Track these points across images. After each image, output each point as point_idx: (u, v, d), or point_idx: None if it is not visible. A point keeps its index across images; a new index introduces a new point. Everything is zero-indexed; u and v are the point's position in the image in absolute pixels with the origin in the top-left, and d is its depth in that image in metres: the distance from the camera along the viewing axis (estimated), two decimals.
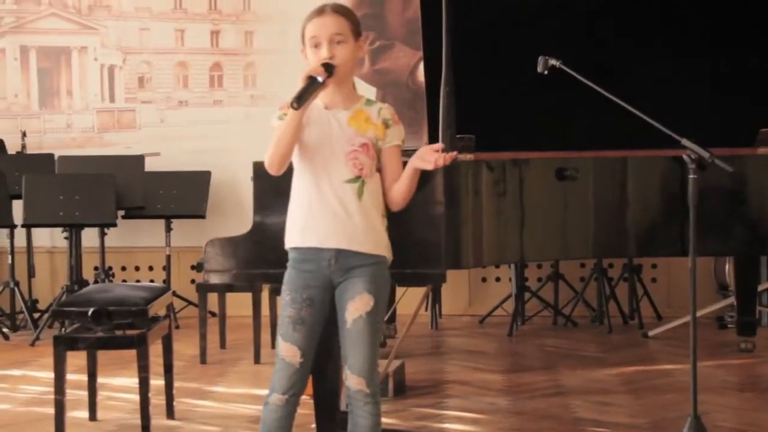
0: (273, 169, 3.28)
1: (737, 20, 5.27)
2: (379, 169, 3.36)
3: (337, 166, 3.29)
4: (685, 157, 4.08)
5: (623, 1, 5.23)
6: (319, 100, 3.32)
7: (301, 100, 3.19)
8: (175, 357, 4.91)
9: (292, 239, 3.35)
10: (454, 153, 3.35)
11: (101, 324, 4.39)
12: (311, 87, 3.22)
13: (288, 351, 3.31)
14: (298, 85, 3.23)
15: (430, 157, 3.29)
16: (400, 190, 3.36)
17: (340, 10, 3.37)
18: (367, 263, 3.30)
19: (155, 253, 7.49)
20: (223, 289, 6.13)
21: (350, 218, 3.28)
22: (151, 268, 7.68)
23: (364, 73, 7.56)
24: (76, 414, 4.84)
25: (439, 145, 3.31)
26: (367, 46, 3.48)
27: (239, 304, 6.56)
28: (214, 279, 6.13)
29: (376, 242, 3.32)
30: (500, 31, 5.17)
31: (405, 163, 3.38)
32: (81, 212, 6.63)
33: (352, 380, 3.30)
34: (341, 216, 3.28)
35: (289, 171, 3.35)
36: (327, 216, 3.28)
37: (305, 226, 3.31)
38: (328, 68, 3.26)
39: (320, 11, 3.35)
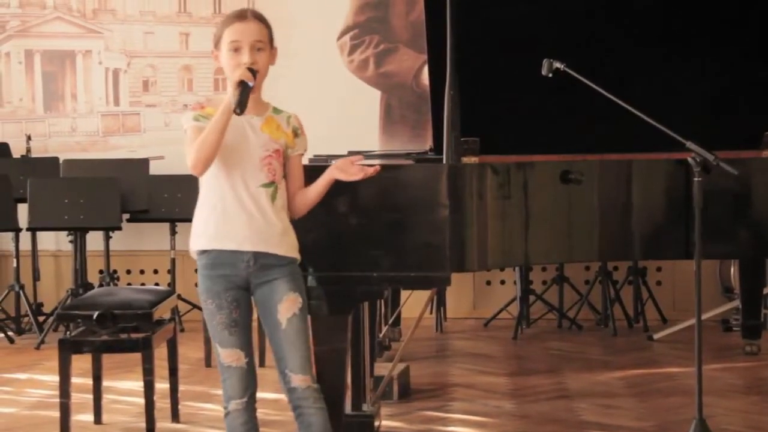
0: (198, 170, 3.33)
1: (741, 23, 5.26)
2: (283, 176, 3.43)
3: (252, 171, 3.35)
4: (690, 160, 4.07)
5: (627, 4, 5.23)
6: (233, 106, 3.35)
7: (243, 106, 3.26)
8: (179, 360, 4.91)
9: (204, 242, 3.39)
10: (377, 167, 3.47)
11: (106, 327, 4.39)
12: (245, 92, 3.29)
13: (232, 356, 3.37)
14: (230, 91, 3.31)
15: (351, 169, 3.42)
16: (309, 197, 3.47)
17: (260, 18, 3.44)
18: (284, 263, 3.37)
19: (160, 256, 7.49)
20: None
21: (266, 221, 3.35)
22: (155, 272, 7.68)
23: (369, 76, 7.56)
24: (82, 417, 4.85)
25: (359, 157, 3.41)
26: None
27: None
28: None
29: (291, 245, 3.41)
30: (505, 33, 5.17)
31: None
32: (86, 216, 6.64)
33: (298, 379, 3.35)
34: (258, 219, 3.34)
35: None
36: (243, 219, 3.34)
37: (220, 229, 3.36)
38: (252, 73, 3.33)
39: (242, 16, 3.41)
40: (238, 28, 3.37)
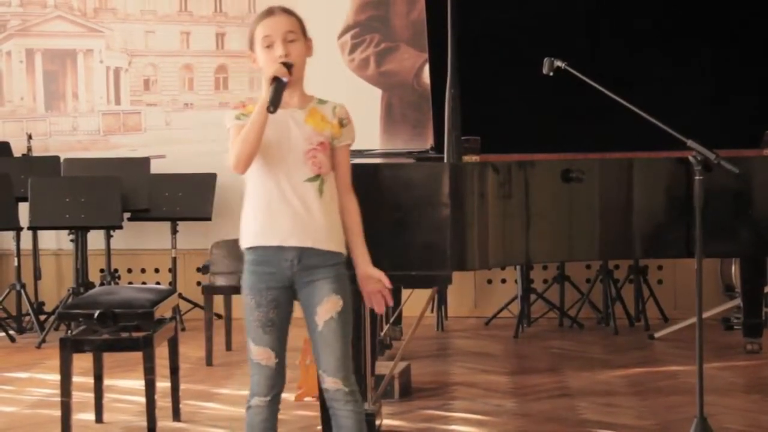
0: (239, 169, 3.29)
1: (742, 22, 5.27)
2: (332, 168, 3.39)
3: (296, 165, 3.31)
4: (690, 158, 4.07)
5: (628, 3, 5.23)
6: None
7: (276, 104, 3.21)
8: (181, 359, 4.91)
9: (251, 239, 3.36)
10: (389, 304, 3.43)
11: (107, 326, 4.39)
12: (280, 88, 3.24)
13: (262, 354, 3.34)
14: (265, 88, 3.25)
15: (369, 287, 3.36)
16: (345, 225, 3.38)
17: (288, 10, 3.40)
18: (328, 263, 3.32)
19: (161, 255, 7.49)
20: (229, 291, 6.13)
21: (312, 217, 3.30)
22: (157, 271, 7.68)
23: (370, 75, 7.56)
24: (83, 416, 4.85)
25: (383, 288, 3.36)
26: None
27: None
28: (220, 281, 6.17)
29: (337, 240, 3.35)
30: (506, 32, 5.17)
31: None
32: (87, 215, 6.64)
33: (329, 382, 3.33)
34: (303, 215, 3.29)
35: None
36: (288, 215, 3.29)
37: (266, 226, 3.31)
38: (287, 67, 3.28)
39: (270, 12, 3.38)
40: (268, 23, 3.34)
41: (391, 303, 3.46)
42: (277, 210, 3.30)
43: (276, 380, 3.36)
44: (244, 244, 3.37)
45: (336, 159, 3.37)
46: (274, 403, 3.36)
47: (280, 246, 3.30)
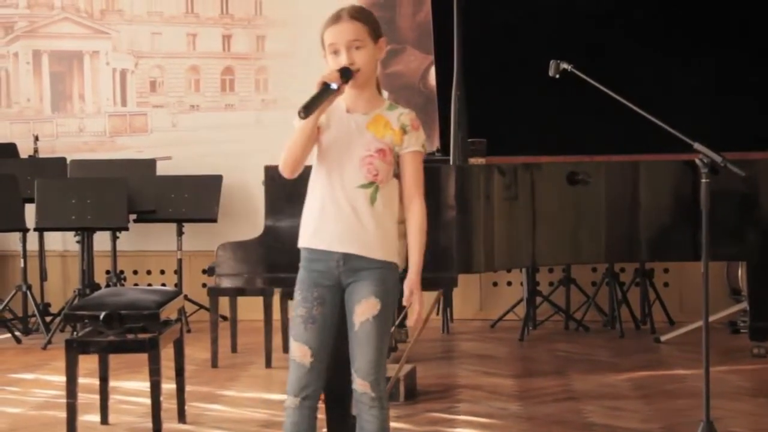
0: (286, 173, 3.28)
1: (749, 25, 5.26)
2: (398, 175, 3.34)
3: (351, 171, 3.27)
4: (697, 161, 4.06)
5: (634, 6, 5.23)
6: (342, 102, 3.31)
7: (308, 109, 3.17)
8: (186, 361, 4.91)
9: (304, 239, 3.35)
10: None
11: (113, 328, 4.39)
12: (324, 94, 3.20)
13: (298, 350, 3.30)
14: (313, 91, 3.22)
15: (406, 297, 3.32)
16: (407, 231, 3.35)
17: (356, 15, 3.34)
18: (375, 266, 3.29)
19: (167, 256, 7.49)
20: (234, 293, 6.12)
21: (361, 224, 3.26)
22: (162, 272, 7.68)
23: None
24: (88, 417, 4.85)
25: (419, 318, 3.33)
26: (384, 47, 3.44)
27: (250, 308, 6.56)
28: (226, 283, 6.14)
29: (386, 249, 3.30)
30: (511, 35, 5.18)
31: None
32: (93, 216, 6.64)
33: (358, 383, 3.30)
34: (352, 221, 3.26)
35: (302, 175, 3.34)
36: (338, 220, 3.27)
37: (317, 228, 3.30)
38: (345, 74, 3.24)
39: (337, 18, 3.33)
40: (333, 30, 3.31)
41: (420, 324, 3.42)
42: (328, 213, 3.28)
43: (308, 381, 3.29)
44: (299, 243, 3.36)
45: (401, 166, 3.32)
46: (305, 407, 3.30)
47: (328, 250, 3.28)
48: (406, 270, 3.34)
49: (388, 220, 3.31)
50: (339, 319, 3.34)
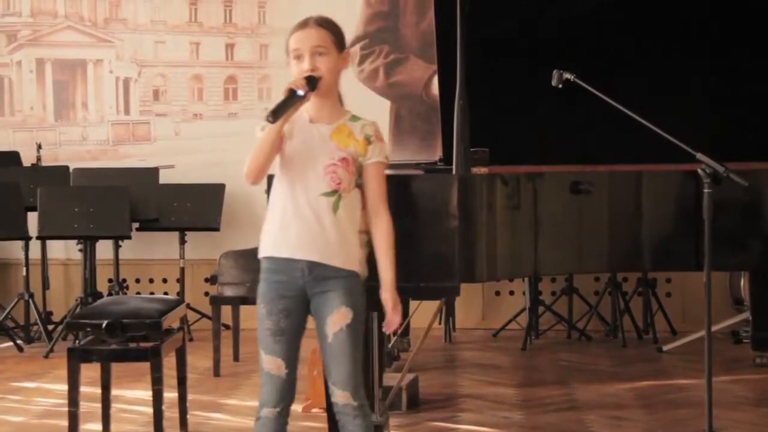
0: (250, 179, 3.31)
1: (754, 34, 5.26)
2: (360, 185, 3.37)
3: (314, 179, 3.30)
4: (699, 171, 4.07)
5: (639, 16, 5.23)
6: (305, 113, 3.34)
7: (277, 113, 3.21)
8: (188, 370, 4.91)
9: (265, 248, 3.37)
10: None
11: (115, 336, 4.39)
12: (290, 100, 3.24)
13: (272, 364, 3.33)
14: (279, 97, 3.25)
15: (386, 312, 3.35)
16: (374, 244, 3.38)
17: (322, 23, 3.39)
18: (341, 276, 3.31)
19: (169, 265, 7.49)
20: (236, 302, 6.11)
21: (324, 231, 3.29)
22: (165, 281, 7.68)
23: (378, 86, 7.57)
24: (90, 426, 4.85)
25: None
26: (350, 58, 3.47)
27: (253, 316, 6.47)
28: (228, 291, 6.13)
29: (348, 257, 3.33)
30: (515, 44, 5.18)
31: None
32: (95, 224, 6.64)
33: (338, 395, 3.32)
34: (315, 229, 3.29)
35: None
36: (300, 228, 3.29)
37: (278, 237, 3.32)
38: (311, 81, 3.28)
39: (303, 24, 3.38)
40: (298, 36, 3.35)
41: (390, 331, 3.46)
42: (290, 221, 3.30)
43: (285, 392, 3.34)
44: (260, 253, 3.38)
45: (364, 177, 3.36)
46: (282, 416, 3.35)
47: (291, 258, 3.30)
48: (366, 279, 3.37)
49: (350, 229, 3.33)
50: (304, 327, 3.37)
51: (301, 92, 3.25)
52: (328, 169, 3.30)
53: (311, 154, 3.31)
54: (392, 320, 3.36)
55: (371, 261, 3.39)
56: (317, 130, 3.34)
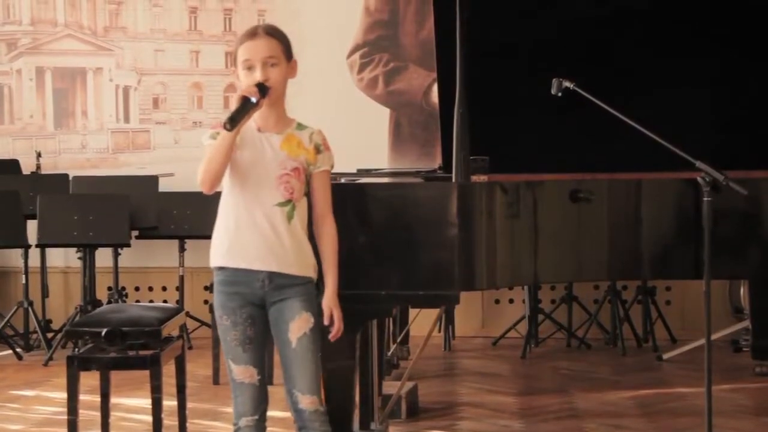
0: (205, 188, 3.32)
1: (756, 42, 5.26)
2: (308, 193, 3.39)
3: (268, 189, 3.32)
4: (699, 179, 4.06)
5: (640, 24, 5.23)
6: (252, 123, 3.35)
7: (234, 121, 3.23)
8: (188, 378, 4.90)
9: (219, 259, 3.37)
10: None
11: (114, 344, 4.39)
12: (245, 108, 3.25)
13: (245, 372, 3.35)
14: (233, 105, 3.27)
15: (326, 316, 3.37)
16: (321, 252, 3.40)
17: (272, 32, 3.39)
18: (299, 282, 3.35)
19: (169, 273, 7.49)
20: None
21: (280, 241, 3.31)
22: (164, 289, 7.68)
23: (378, 95, 7.57)
24: None
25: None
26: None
27: None
28: None
29: (304, 265, 3.37)
30: (514, 52, 5.18)
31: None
32: (95, 232, 6.64)
33: (305, 401, 3.33)
34: (271, 238, 3.31)
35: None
36: (256, 238, 3.31)
37: (232, 247, 3.34)
38: (262, 89, 3.29)
39: (252, 34, 3.38)
40: (249, 46, 3.36)
41: (334, 337, 3.43)
42: (245, 232, 3.32)
43: (261, 398, 3.37)
44: (213, 262, 3.39)
45: (312, 185, 3.39)
46: (261, 422, 3.38)
47: (248, 268, 3.32)
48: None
49: (303, 237, 3.37)
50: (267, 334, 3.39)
51: (254, 99, 3.27)
52: (281, 179, 3.33)
53: (263, 165, 3.33)
54: (338, 328, 3.38)
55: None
56: (267, 140, 3.36)
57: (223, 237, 3.37)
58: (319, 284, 3.45)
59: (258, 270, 3.32)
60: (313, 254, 3.41)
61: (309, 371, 3.32)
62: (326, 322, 3.37)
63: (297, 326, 3.32)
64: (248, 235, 3.31)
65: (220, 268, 3.37)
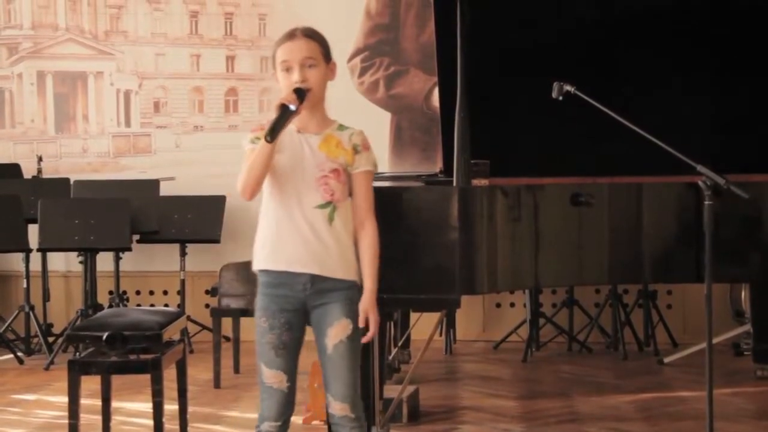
0: (245, 196, 3.29)
1: (758, 46, 5.27)
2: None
3: (308, 192, 3.30)
4: (700, 183, 4.06)
5: (642, 29, 5.23)
6: (292, 124, 3.33)
7: (274, 132, 3.21)
8: (189, 382, 4.90)
9: (261, 261, 3.35)
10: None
11: (116, 348, 4.39)
12: (284, 117, 3.24)
13: (274, 377, 3.33)
14: (272, 114, 3.25)
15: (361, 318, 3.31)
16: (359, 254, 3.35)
17: (311, 34, 3.38)
18: (341, 287, 3.31)
19: (170, 277, 7.49)
20: (237, 314, 6.12)
21: (321, 243, 3.29)
22: (165, 293, 7.68)
23: (379, 98, 7.58)
24: None
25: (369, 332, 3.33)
26: (335, 69, 3.46)
27: (253, 328, 6.53)
28: (229, 303, 6.16)
29: (347, 268, 3.33)
30: (515, 56, 5.18)
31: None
32: (96, 236, 6.64)
33: (336, 406, 3.31)
34: (311, 241, 3.28)
35: None
36: (297, 241, 3.28)
37: (274, 250, 3.31)
38: (300, 94, 3.27)
39: (291, 35, 3.36)
40: (287, 47, 3.34)
41: (366, 340, 3.40)
42: (286, 234, 3.29)
43: (287, 405, 3.34)
44: (256, 266, 3.37)
45: (352, 186, 3.35)
46: (284, 428, 3.34)
47: (289, 271, 3.29)
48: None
49: (346, 239, 3.33)
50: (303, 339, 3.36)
51: (293, 107, 3.25)
52: (320, 181, 3.30)
53: (302, 167, 3.31)
54: (373, 333, 3.35)
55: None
56: (306, 142, 3.34)
57: (264, 240, 3.34)
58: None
59: (299, 273, 3.28)
60: (356, 259, 3.35)
61: (342, 378, 3.29)
62: (361, 324, 3.32)
63: (334, 332, 3.29)
64: (289, 238, 3.28)
65: (263, 271, 3.35)
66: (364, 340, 3.37)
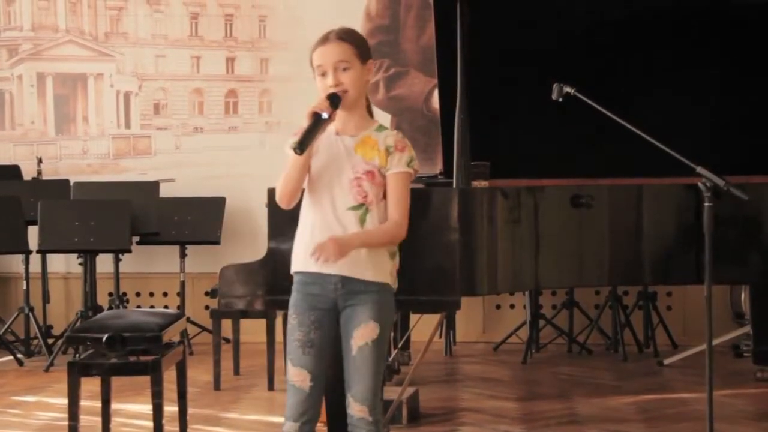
0: (283, 203, 3.30)
1: (758, 48, 5.27)
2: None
3: (341, 193, 3.29)
4: (700, 184, 4.07)
5: (642, 31, 5.24)
6: (332, 126, 3.32)
7: (304, 144, 3.19)
8: (188, 383, 4.90)
9: (297, 263, 3.36)
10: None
11: (115, 350, 4.39)
12: (316, 126, 3.21)
13: (297, 375, 3.30)
14: (304, 122, 3.22)
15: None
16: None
17: (344, 36, 3.35)
18: (372, 290, 3.29)
19: (170, 279, 7.49)
20: (237, 315, 6.12)
21: None
22: (165, 294, 7.68)
23: (379, 100, 7.58)
24: None
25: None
26: (375, 68, 3.41)
27: (253, 330, 6.55)
28: (229, 305, 6.15)
29: (378, 270, 3.30)
30: (515, 58, 5.19)
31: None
32: (96, 238, 6.64)
33: (355, 408, 3.29)
34: None
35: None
36: None
37: (307, 250, 3.28)
38: (334, 100, 3.25)
39: (324, 39, 3.35)
40: (320, 51, 3.33)
41: (319, 261, 3.24)
42: (319, 235, 3.26)
43: (308, 406, 3.30)
44: (292, 268, 3.37)
45: (386, 187, 3.32)
46: (304, 431, 3.30)
47: (321, 272, 3.27)
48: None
49: None
50: (335, 342, 3.34)
51: (325, 115, 3.22)
52: (353, 183, 3.28)
53: (337, 168, 3.29)
54: (319, 256, 3.18)
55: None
56: (343, 143, 3.32)
57: (300, 242, 3.33)
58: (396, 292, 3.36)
59: (330, 273, 3.27)
60: (390, 260, 3.32)
61: (364, 380, 3.27)
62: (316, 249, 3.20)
63: (360, 334, 3.27)
64: (321, 239, 3.24)
65: (298, 273, 3.34)
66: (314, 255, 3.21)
